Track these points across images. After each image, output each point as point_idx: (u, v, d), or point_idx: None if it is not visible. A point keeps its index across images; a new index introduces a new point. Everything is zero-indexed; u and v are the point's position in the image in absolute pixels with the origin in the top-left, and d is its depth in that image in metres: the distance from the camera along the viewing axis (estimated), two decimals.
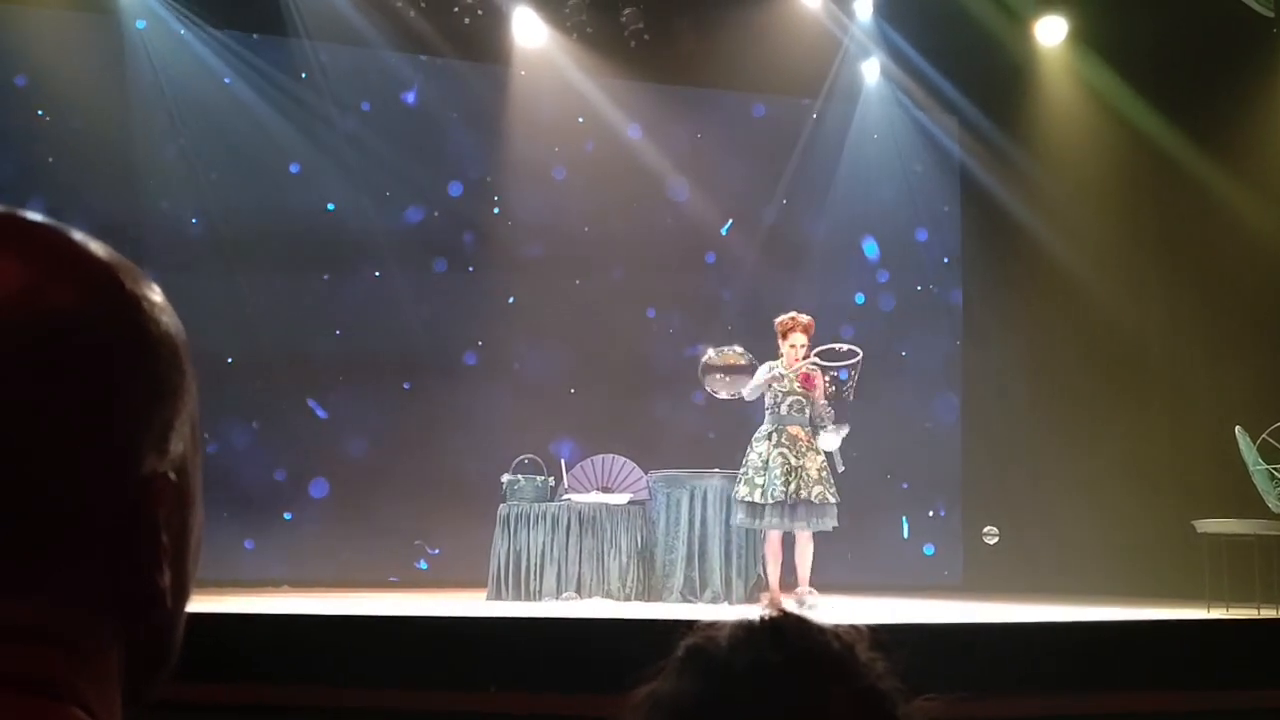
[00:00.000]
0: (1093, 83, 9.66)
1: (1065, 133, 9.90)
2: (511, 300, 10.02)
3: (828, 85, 10.40)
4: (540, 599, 7.52)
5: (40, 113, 8.86)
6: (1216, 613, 6.67)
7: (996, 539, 9.31)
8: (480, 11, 9.42)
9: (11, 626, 0.64)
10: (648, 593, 7.68)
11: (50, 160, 8.73)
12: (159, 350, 0.69)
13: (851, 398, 7.30)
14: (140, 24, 9.16)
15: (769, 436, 7.21)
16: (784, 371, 7.19)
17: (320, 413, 9.49)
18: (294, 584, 8.54)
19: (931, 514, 10.62)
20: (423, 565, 9.43)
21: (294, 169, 9.52)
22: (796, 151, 10.48)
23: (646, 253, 10.05)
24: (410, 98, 9.92)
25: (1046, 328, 10.06)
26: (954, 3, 9.35)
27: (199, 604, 0.75)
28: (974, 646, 5.17)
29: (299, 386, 9.37)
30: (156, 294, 0.71)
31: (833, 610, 6.46)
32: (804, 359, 7.23)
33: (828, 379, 7.27)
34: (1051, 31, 9.79)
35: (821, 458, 7.17)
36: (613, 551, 7.68)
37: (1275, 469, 7.10)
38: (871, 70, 10.47)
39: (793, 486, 7.04)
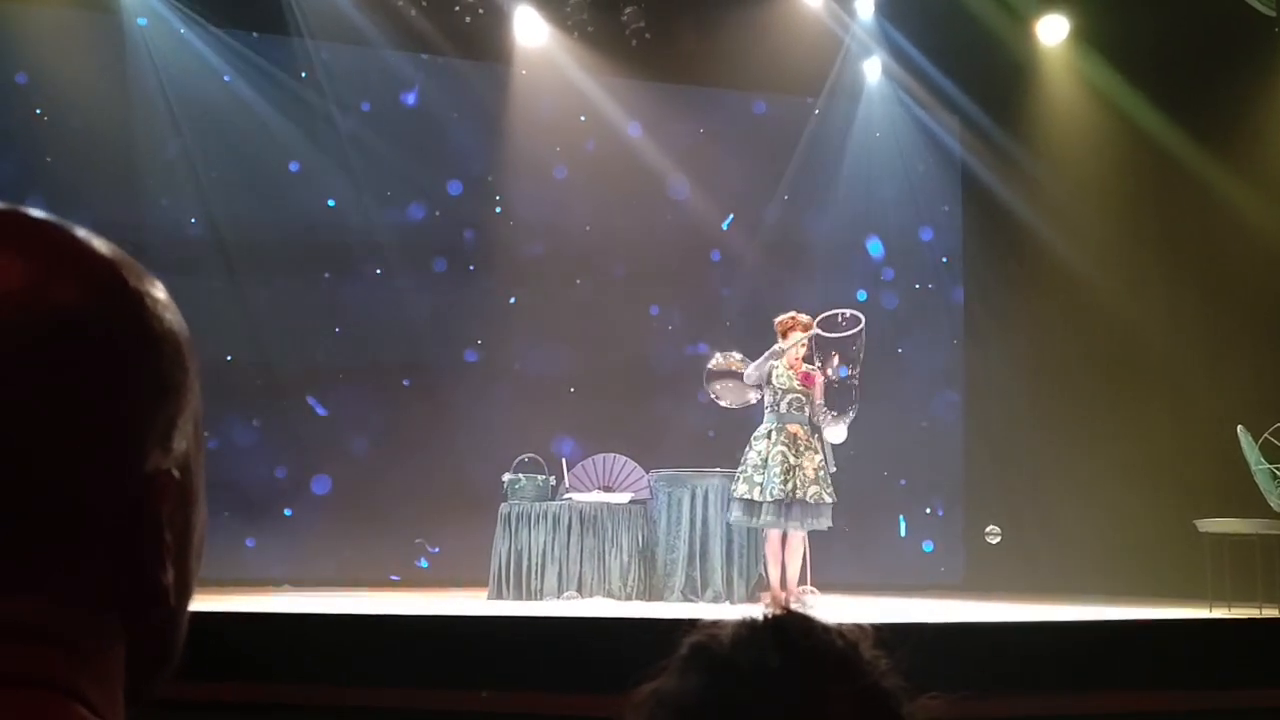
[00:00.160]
0: (1094, 82, 9.65)
1: (1066, 132, 9.89)
2: (512, 299, 10.01)
3: (829, 84, 10.38)
4: (541, 598, 7.51)
5: (40, 111, 8.85)
6: (1218, 612, 6.67)
7: (999, 538, 9.30)
8: (481, 10, 9.41)
9: (12, 626, 0.64)
10: (649, 592, 7.67)
11: (50, 159, 8.72)
12: (162, 347, 0.69)
13: (861, 361, 7.24)
14: (141, 22, 9.16)
15: (769, 434, 7.21)
16: (782, 348, 7.16)
17: (321, 411, 9.49)
18: (294, 582, 8.53)
19: (929, 511, 10.61)
20: (424, 564, 9.42)
21: (294, 168, 9.51)
22: (798, 150, 10.45)
23: (647, 252, 10.04)
24: (411, 97, 9.91)
25: (1047, 326, 10.05)
26: (955, 2, 9.34)
27: (199, 602, 0.75)
28: (974, 646, 5.17)
29: (300, 385, 9.37)
30: (160, 291, 0.70)
31: (830, 610, 6.45)
32: (804, 360, 7.24)
33: (829, 372, 7.26)
34: (1053, 30, 9.79)
35: (819, 457, 7.17)
36: (614, 551, 7.67)
37: (1277, 468, 7.09)
38: (873, 69, 10.46)
39: (790, 485, 7.04)
